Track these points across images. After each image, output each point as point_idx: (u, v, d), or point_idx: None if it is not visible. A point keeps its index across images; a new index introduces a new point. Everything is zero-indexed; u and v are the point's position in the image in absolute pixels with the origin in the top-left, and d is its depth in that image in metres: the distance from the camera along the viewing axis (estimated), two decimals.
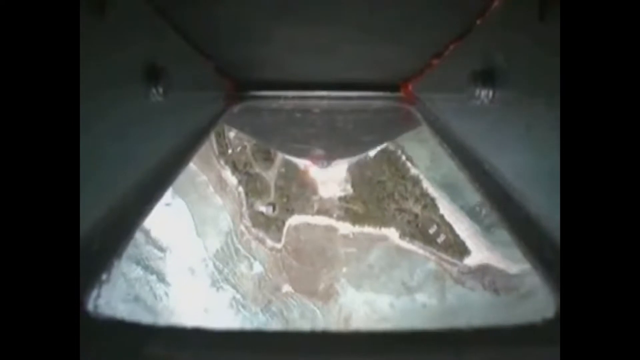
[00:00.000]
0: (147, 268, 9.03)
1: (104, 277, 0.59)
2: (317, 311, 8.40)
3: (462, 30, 1.11)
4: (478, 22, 1.02)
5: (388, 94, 1.68)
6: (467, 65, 0.99)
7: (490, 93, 0.91)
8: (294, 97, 1.69)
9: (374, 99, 1.73)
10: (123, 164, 0.80)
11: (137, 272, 8.97)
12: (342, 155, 4.49)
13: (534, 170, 0.78)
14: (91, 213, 0.63)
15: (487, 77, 0.91)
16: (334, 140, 3.04)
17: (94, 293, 0.56)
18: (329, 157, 4.34)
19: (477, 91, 0.92)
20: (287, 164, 8.31)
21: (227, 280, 8.91)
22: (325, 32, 1.18)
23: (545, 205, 0.71)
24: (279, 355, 0.49)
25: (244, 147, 8.87)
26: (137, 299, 8.65)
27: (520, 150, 0.83)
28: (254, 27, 1.15)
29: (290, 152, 4.18)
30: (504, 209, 0.84)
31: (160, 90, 0.88)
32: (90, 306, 0.54)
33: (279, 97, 1.69)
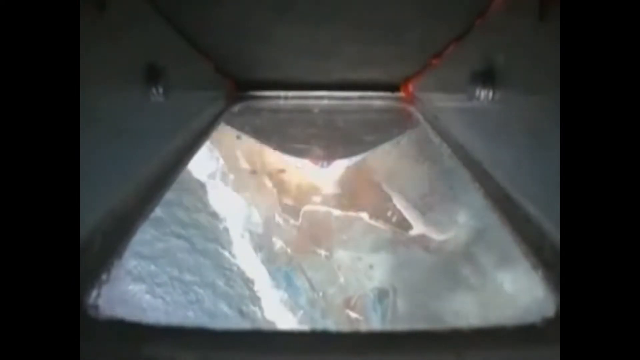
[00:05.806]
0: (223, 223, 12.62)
1: (104, 277, 0.57)
2: (321, 261, 12.22)
3: (462, 30, 1.07)
4: (478, 22, 0.98)
5: (388, 94, 1.62)
6: (467, 65, 0.96)
7: (490, 93, 0.87)
8: (294, 97, 1.63)
9: (374, 99, 1.66)
10: (123, 164, 0.77)
11: (218, 225, 12.16)
12: (342, 156, 4.18)
13: (534, 170, 0.75)
14: (91, 213, 0.61)
15: (487, 77, 0.88)
16: (334, 140, 2.98)
17: (94, 293, 0.54)
18: (329, 158, 4.16)
19: (477, 91, 0.89)
20: None
21: (264, 244, 11.91)
22: (325, 32, 1.15)
23: (545, 205, 0.68)
24: (279, 355, 0.48)
25: None
26: (217, 240, 12.39)
27: (520, 150, 0.80)
28: (254, 27, 1.12)
29: (290, 152, 3.96)
30: (504, 208, 0.80)
31: (160, 90, 0.85)
32: (90, 306, 0.52)
33: (279, 97, 1.63)
